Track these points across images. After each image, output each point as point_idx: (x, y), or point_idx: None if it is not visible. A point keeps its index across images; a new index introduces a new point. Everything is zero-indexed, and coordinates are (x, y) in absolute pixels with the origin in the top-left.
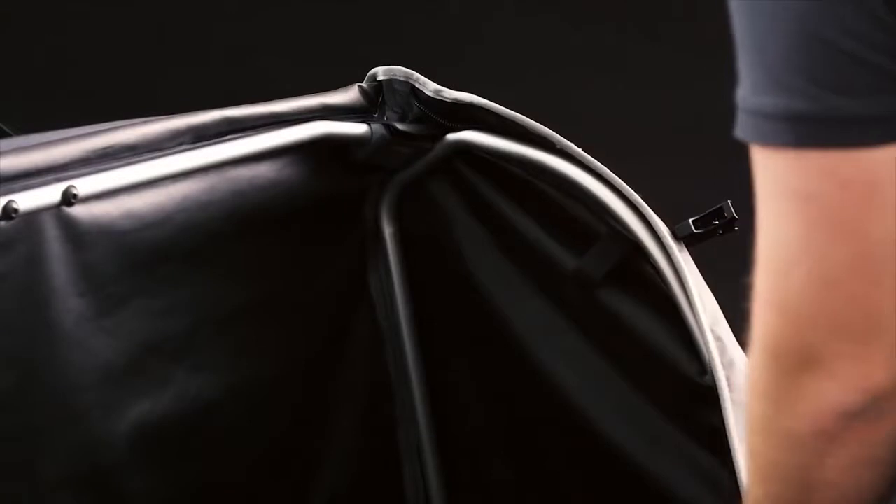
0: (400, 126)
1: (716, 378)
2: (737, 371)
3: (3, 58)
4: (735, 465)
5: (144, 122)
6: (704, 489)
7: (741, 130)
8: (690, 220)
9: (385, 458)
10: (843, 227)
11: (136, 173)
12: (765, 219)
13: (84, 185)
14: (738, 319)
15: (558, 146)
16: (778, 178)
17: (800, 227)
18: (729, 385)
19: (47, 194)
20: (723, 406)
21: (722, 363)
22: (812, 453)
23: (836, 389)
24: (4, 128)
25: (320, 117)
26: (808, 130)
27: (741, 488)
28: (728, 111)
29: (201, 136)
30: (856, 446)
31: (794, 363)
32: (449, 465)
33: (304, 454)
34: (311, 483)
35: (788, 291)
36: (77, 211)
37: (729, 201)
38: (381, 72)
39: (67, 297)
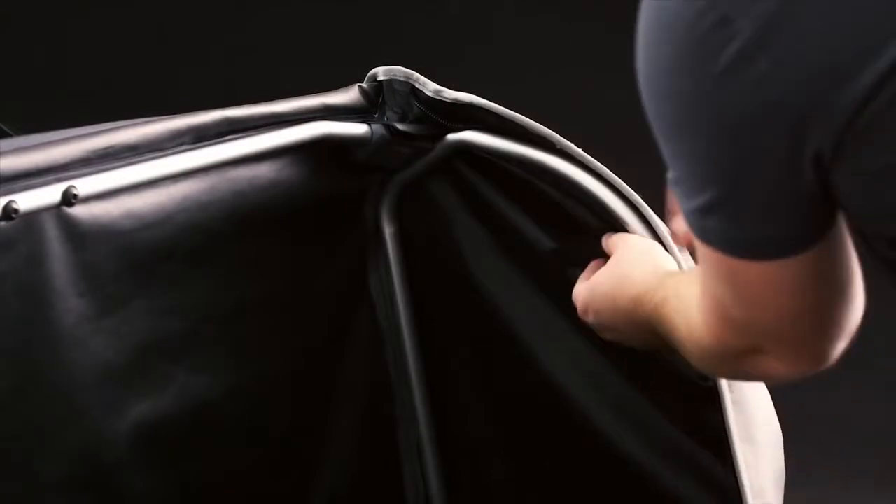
0: (400, 126)
1: (716, 379)
2: None
3: (3, 58)
4: (735, 465)
5: (145, 123)
6: (704, 489)
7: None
8: None
9: (385, 458)
10: (751, 301)
11: (136, 173)
12: (699, 264)
13: (84, 185)
14: None
15: (558, 146)
16: (702, 255)
17: (724, 290)
18: (729, 386)
19: (47, 194)
20: (723, 407)
21: None
22: (741, 375)
23: (778, 367)
24: (4, 128)
25: (320, 117)
26: (715, 239)
27: (742, 488)
28: None
29: (202, 137)
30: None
31: (742, 352)
32: (449, 465)
33: (304, 454)
34: (311, 483)
35: (728, 315)
36: (77, 211)
37: None
38: (381, 72)
39: (68, 297)
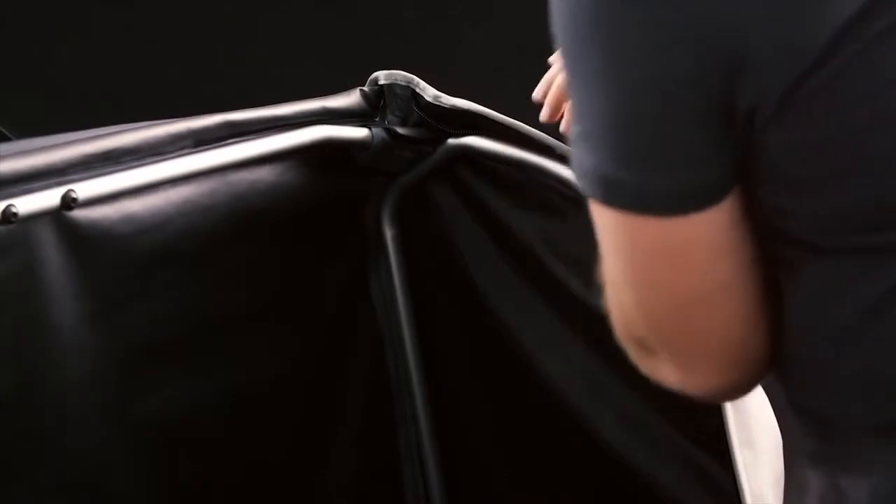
0: (401, 130)
1: None
2: None
3: (2, 59)
4: (735, 469)
5: (146, 126)
6: (704, 492)
7: (572, 166)
8: None
9: (386, 459)
10: (653, 283)
11: (136, 177)
12: (600, 241)
13: (84, 189)
14: None
15: (558, 151)
16: (601, 225)
17: (622, 270)
18: None
19: (47, 198)
20: (723, 411)
21: None
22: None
23: (670, 375)
24: (4, 131)
25: (322, 121)
26: (616, 195)
27: (741, 490)
28: None
29: (202, 140)
30: None
31: (637, 346)
32: (449, 466)
33: (304, 455)
34: (312, 483)
35: (623, 306)
36: (77, 215)
37: None
38: (382, 76)
39: (66, 301)
